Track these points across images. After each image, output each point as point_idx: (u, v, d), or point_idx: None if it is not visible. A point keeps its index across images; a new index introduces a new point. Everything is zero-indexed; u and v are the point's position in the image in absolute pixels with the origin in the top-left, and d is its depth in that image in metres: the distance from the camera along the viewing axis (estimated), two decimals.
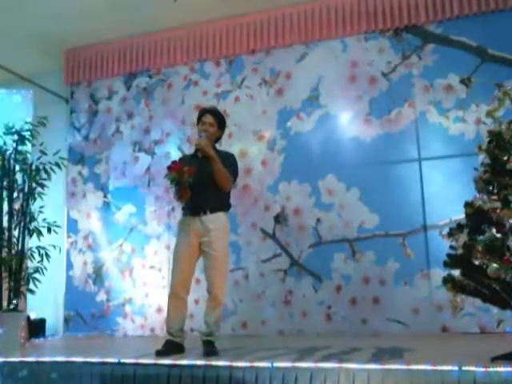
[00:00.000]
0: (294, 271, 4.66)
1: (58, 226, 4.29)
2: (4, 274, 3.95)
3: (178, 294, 3.40)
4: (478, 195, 2.83)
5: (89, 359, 2.99)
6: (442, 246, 3.39)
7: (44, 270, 4.14)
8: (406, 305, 4.28)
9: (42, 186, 4.21)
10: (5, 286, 3.93)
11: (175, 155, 5.07)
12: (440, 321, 4.16)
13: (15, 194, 4.13)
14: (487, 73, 4.36)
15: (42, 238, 4.18)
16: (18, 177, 4.20)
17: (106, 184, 5.51)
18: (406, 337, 4.06)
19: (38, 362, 3.09)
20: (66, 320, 5.34)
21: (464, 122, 4.41)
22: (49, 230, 4.19)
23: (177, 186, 3.23)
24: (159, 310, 4.99)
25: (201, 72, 5.34)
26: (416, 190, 4.45)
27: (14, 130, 4.18)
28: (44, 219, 4.23)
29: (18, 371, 3.07)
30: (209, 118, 3.55)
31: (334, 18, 4.85)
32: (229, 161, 3.51)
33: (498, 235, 2.62)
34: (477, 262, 2.68)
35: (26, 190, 4.15)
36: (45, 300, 5.05)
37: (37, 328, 5.04)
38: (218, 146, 3.73)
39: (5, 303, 3.90)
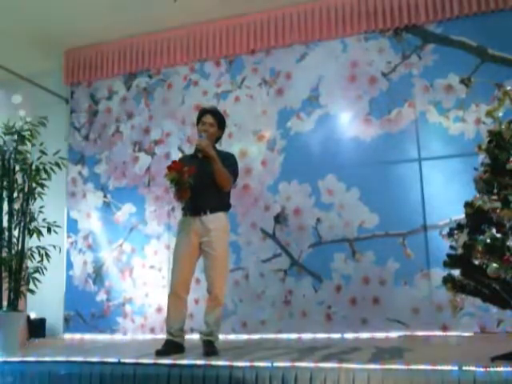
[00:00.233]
0: (294, 271, 4.66)
1: (58, 226, 4.29)
2: (4, 274, 3.95)
3: (177, 294, 3.41)
4: (478, 195, 2.84)
5: (89, 359, 3.00)
6: (442, 246, 3.39)
7: (44, 270, 4.14)
8: (405, 305, 4.27)
9: (42, 185, 4.20)
10: (5, 286, 3.93)
11: (175, 155, 5.07)
12: (440, 321, 4.15)
13: (15, 194, 4.13)
14: (487, 73, 4.36)
15: (42, 237, 4.18)
16: (18, 177, 4.20)
17: (105, 184, 5.50)
18: (406, 337, 4.06)
19: (37, 362, 3.10)
20: (66, 320, 5.34)
21: (464, 121, 4.41)
22: (49, 230, 4.19)
23: (176, 186, 3.23)
24: (159, 309, 4.99)
25: (201, 72, 5.33)
26: (416, 190, 4.45)
27: (14, 129, 4.18)
28: (44, 219, 4.23)
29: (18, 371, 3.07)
30: (209, 118, 3.56)
31: (333, 18, 4.85)
32: (229, 161, 3.52)
33: (498, 235, 2.62)
34: (477, 262, 2.68)
35: (26, 190, 4.15)
36: (45, 300, 5.05)
37: (37, 328, 5.04)
38: (217, 145, 3.74)
39: (5, 303, 3.90)
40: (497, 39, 4.39)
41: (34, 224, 4.14)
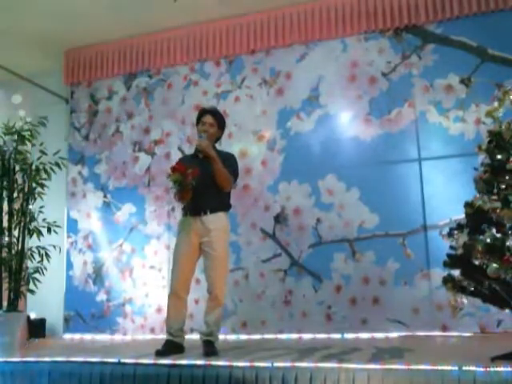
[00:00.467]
0: (294, 271, 4.66)
1: (58, 226, 4.29)
2: (4, 274, 3.95)
3: (177, 294, 3.41)
4: (478, 195, 2.84)
5: (89, 359, 3.00)
6: (442, 246, 3.39)
7: (44, 270, 4.15)
8: (405, 305, 4.27)
9: (42, 186, 4.21)
10: (5, 286, 3.94)
11: (175, 155, 5.06)
12: (440, 321, 4.15)
13: (15, 194, 4.14)
14: (487, 73, 4.36)
15: (42, 237, 4.18)
16: (18, 177, 4.20)
17: (105, 184, 5.50)
18: (406, 337, 4.06)
19: (38, 362, 3.10)
20: (66, 320, 5.34)
21: (464, 121, 4.41)
22: (49, 230, 4.20)
23: (179, 188, 3.23)
24: (159, 309, 4.99)
25: (201, 72, 5.33)
26: (416, 190, 4.45)
27: (14, 129, 4.18)
28: (44, 219, 4.23)
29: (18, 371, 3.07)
30: (209, 119, 3.56)
31: (333, 18, 4.85)
32: (229, 161, 3.52)
33: (498, 235, 2.62)
34: (477, 262, 2.68)
35: (26, 189, 4.15)
36: (45, 300, 5.06)
37: (37, 328, 5.04)
38: (217, 145, 3.74)
39: (5, 303, 3.90)
40: (497, 39, 4.38)
41: (33, 224, 4.15)
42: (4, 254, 3.97)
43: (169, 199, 5.08)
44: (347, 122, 4.77)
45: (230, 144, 4.80)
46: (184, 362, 2.82)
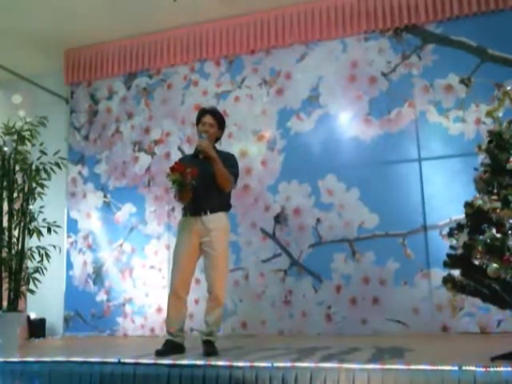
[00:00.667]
0: (294, 271, 4.66)
1: (58, 226, 4.28)
2: (4, 274, 3.94)
3: (178, 294, 3.40)
4: (478, 195, 2.84)
5: (89, 359, 3.00)
6: (442, 246, 3.40)
7: (44, 270, 4.14)
8: (405, 305, 4.27)
9: (42, 186, 4.20)
10: (5, 286, 3.93)
11: (175, 155, 5.07)
12: (440, 321, 4.16)
13: (15, 194, 4.13)
14: (487, 73, 4.36)
15: (42, 237, 4.17)
16: (18, 177, 4.20)
17: (105, 184, 5.51)
18: (406, 337, 4.06)
19: (37, 362, 3.09)
20: (66, 320, 5.34)
21: (464, 121, 4.41)
22: (49, 230, 4.19)
23: (179, 188, 3.23)
24: (159, 309, 4.99)
25: (201, 72, 5.34)
26: (416, 190, 4.45)
27: (13, 129, 4.18)
28: (44, 219, 4.23)
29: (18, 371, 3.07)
30: (209, 119, 3.55)
31: (333, 18, 4.85)
32: (229, 161, 3.52)
33: (498, 235, 2.62)
34: (477, 262, 2.68)
35: (26, 189, 4.14)
36: (45, 300, 5.06)
37: (37, 328, 5.05)
38: (217, 145, 3.73)
39: (5, 303, 3.89)
40: (497, 39, 4.39)
41: (34, 224, 4.14)
42: (4, 254, 3.96)
43: (169, 199, 5.08)
44: (347, 122, 4.77)
45: (229, 144, 4.80)
46: (184, 361, 2.82)
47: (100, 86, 5.74)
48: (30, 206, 4.15)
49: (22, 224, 4.08)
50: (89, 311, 5.27)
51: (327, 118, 4.81)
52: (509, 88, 2.99)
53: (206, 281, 3.44)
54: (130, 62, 5.56)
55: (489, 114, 2.97)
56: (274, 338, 4.34)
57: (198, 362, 2.77)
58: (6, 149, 4.11)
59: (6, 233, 4.02)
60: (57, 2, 4.80)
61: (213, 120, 3.56)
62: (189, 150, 4.83)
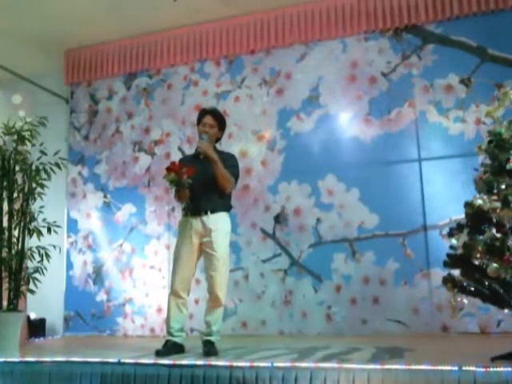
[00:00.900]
0: (294, 271, 4.66)
1: (58, 226, 4.28)
2: (4, 274, 3.94)
3: (178, 294, 3.40)
4: (478, 195, 2.84)
5: (89, 359, 3.00)
6: (442, 246, 3.39)
7: (44, 270, 4.13)
8: (405, 305, 4.28)
9: (42, 186, 4.19)
10: (5, 286, 3.93)
11: (175, 155, 5.07)
12: (440, 321, 4.16)
13: (15, 194, 4.13)
14: (487, 73, 4.36)
15: (42, 237, 4.17)
16: (18, 177, 4.19)
17: (105, 184, 5.51)
18: (406, 337, 4.06)
19: (37, 362, 3.09)
20: (66, 320, 5.34)
21: (464, 121, 4.41)
22: (49, 229, 4.18)
23: (175, 187, 3.23)
24: (159, 310, 4.99)
25: (201, 72, 5.34)
26: (416, 190, 4.45)
27: (13, 130, 4.18)
28: (44, 219, 4.22)
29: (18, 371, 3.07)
30: (209, 119, 3.55)
31: (333, 18, 4.85)
32: (230, 162, 3.52)
33: (498, 235, 2.62)
34: (477, 262, 2.68)
35: (26, 190, 4.14)
36: (45, 300, 5.05)
37: (37, 328, 5.04)
38: (218, 145, 3.73)
39: (5, 303, 3.89)
40: (497, 39, 4.39)
41: (34, 224, 4.14)
42: (4, 254, 3.96)
43: (169, 199, 5.08)
44: (347, 122, 4.77)
45: (229, 144, 4.80)
46: (184, 361, 2.82)
47: (100, 86, 5.74)
48: (30, 206, 4.15)
49: (22, 224, 4.08)
50: (89, 311, 5.27)
51: (327, 118, 4.81)
52: (509, 88, 2.99)
53: (206, 281, 3.44)
54: (129, 62, 5.56)
55: (489, 114, 2.97)
56: (274, 338, 4.35)
57: (198, 362, 2.77)
58: (6, 149, 4.11)
59: (6, 233, 4.01)
60: (57, 2, 4.80)
61: (213, 121, 3.56)
62: (189, 151, 4.83)
